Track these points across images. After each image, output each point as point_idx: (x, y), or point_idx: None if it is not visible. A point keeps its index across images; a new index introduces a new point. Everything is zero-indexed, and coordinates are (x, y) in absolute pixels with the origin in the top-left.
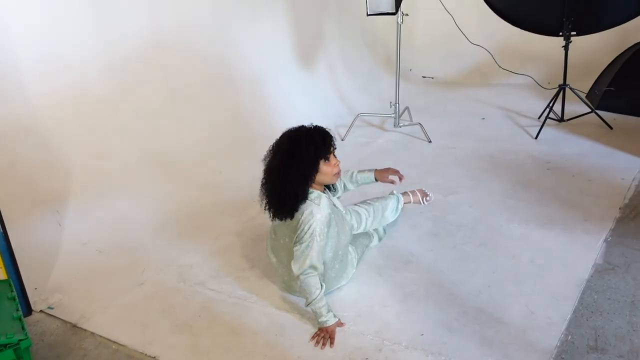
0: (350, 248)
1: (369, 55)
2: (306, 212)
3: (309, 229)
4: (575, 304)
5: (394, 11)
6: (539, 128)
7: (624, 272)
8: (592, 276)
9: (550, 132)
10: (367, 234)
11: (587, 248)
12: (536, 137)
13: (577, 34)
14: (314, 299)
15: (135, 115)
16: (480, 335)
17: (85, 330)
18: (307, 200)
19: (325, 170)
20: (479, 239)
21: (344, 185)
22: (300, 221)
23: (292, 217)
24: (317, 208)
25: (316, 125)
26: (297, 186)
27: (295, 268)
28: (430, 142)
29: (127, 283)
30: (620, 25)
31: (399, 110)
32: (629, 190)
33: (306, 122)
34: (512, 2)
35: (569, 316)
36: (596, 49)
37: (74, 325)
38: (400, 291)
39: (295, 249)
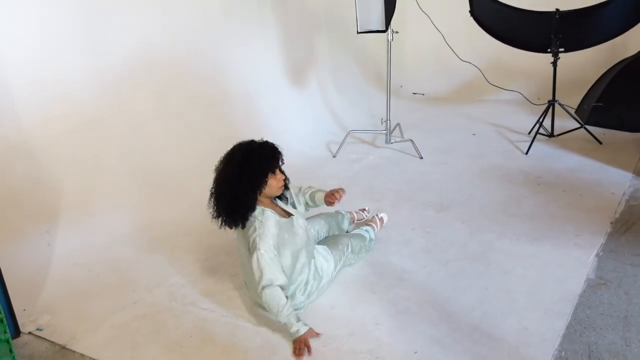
0: (320, 258)
1: (359, 72)
2: (251, 229)
3: (254, 244)
4: (569, 320)
5: (384, 29)
6: (529, 143)
7: (616, 286)
8: (584, 291)
9: (541, 147)
10: (345, 241)
11: (579, 263)
12: (527, 153)
13: (565, 51)
14: (280, 311)
15: (127, 133)
16: (473, 352)
17: (74, 352)
18: (252, 217)
19: (271, 184)
20: (472, 255)
21: (305, 203)
22: (249, 236)
23: (243, 225)
24: (259, 223)
25: (266, 141)
26: (248, 196)
27: (255, 284)
28: (421, 158)
29: (118, 303)
30: (608, 41)
31: (390, 126)
32: (620, 204)
33: (297, 140)
34: (500, 20)
35: (562, 332)
36: (584, 65)
37: (64, 347)
38: (393, 308)
39: (251, 265)
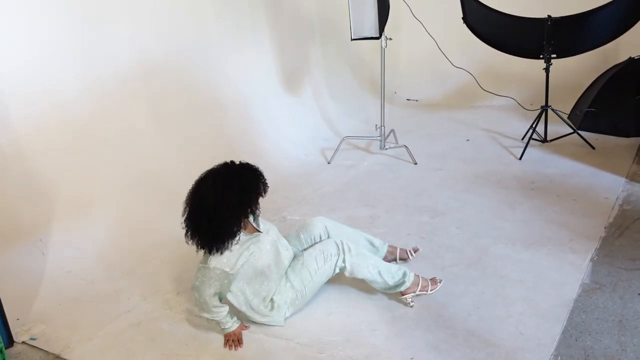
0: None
1: (353, 78)
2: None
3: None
4: (564, 324)
5: (377, 35)
6: (522, 149)
7: (611, 291)
8: (579, 296)
9: (534, 152)
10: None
11: (574, 268)
12: (520, 158)
13: (557, 57)
14: (213, 316)
15: (121, 141)
16: (470, 358)
17: None
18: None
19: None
20: (467, 261)
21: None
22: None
23: (221, 251)
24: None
25: (244, 163)
26: (234, 223)
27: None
28: (416, 164)
29: (112, 311)
30: (600, 47)
31: (384, 132)
32: (613, 209)
33: (292, 146)
34: (493, 27)
35: (558, 337)
36: (577, 71)
37: (58, 357)
38: (390, 314)
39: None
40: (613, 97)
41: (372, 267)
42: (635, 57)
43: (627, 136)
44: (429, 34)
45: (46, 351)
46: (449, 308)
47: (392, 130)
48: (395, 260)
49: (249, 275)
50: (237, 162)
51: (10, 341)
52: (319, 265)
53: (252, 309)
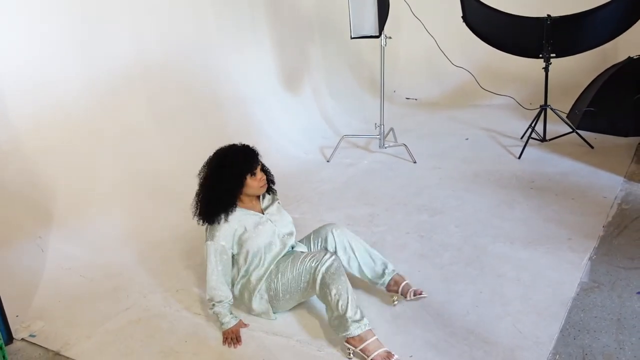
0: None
1: (353, 77)
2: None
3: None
4: (563, 323)
5: (377, 34)
6: (521, 148)
7: (610, 289)
8: (578, 294)
9: (533, 151)
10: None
11: (573, 266)
12: (519, 157)
13: (557, 56)
14: (217, 302)
15: (120, 139)
16: (469, 356)
17: (68, 358)
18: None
19: (251, 184)
20: (466, 259)
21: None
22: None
23: (219, 222)
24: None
25: (245, 145)
26: (226, 197)
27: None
28: (415, 162)
29: (112, 308)
30: (599, 47)
31: (383, 131)
32: (612, 208)
33: (291, 144)
34: (492, 26)
35: (556, 335)
36: (576, 70)
37: (57, 353)
38: (389, 312)
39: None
40: (612, 97)
41: (336, 294)
42: (634, 57)
43: (626, 135)
44: (428, 33)
45: (45, 348)
46: (447, 306)
47: (392, 129)
48: (397, 291)
49: (243, 254)
50: (239, 144)
51: (9, 338)
52: (301, 266)
53: (241, 292)
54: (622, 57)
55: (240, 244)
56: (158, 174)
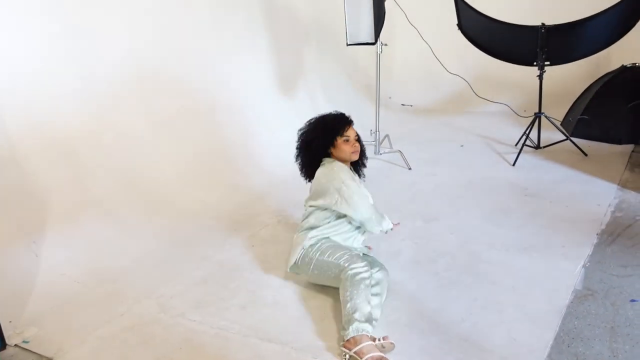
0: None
1: (349, 83)
2: (322, 177)
3: (332, 181)
4: (557, 331)
5: (373, 41)
6: (516, 155)
7: (603, 297)
8: (572, 302)
9: (528, 159)
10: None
11: (567, 274)
12: (514, 164)
13: (551, 64)
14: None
15: (115, 144)
16: None
17: None
18: (324, 167)
19: (343, 147)
20: (461, 266)
21: None
22: (322, 183)
23: (312, 177)
24: (330, 166)
25: (340, 113)
26: (318, 147)
27: (357, 214)
28: (410, 169)
29: (106, 314)
30: (593, 55)
31: (379, 137)
32: (605, 215)
33: (286, 150)
34: (487, 33)
35: (550, 343)
36: (570, 78)
37: None
38: (383, 320)
39: (334, 202)
40: (605, 105)
41: (349, 296)
42: (628, 65)
43: (620, 143)
44: (424, 40)
45: (39, 354)
46: (442, 314)
47: (387, 135)
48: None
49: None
50: (340, 112)
51: (2, 344)
52: (338, 259)
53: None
54: (615, 66)
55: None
56: (152, 179)
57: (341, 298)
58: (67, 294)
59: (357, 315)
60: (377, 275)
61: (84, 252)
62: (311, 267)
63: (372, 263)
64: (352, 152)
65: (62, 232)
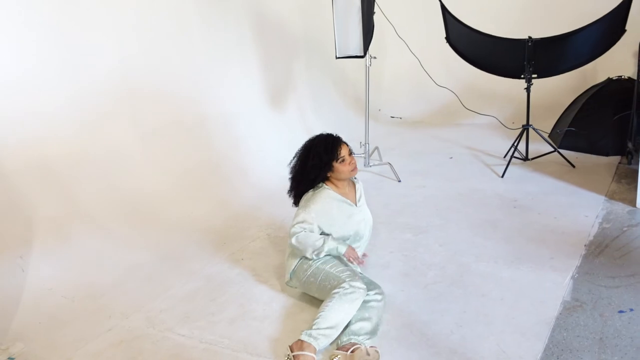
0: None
1: (338, 96)
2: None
3: (305, 202)
4: (546, 342)
5: (362, 54)
6: (504, 167)
7: (592, 308)
8: (560, 314)
9: (516, 170)
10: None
11: (555, 285)
12: (502, 176)
13: (538, 77)
14: (321, 245)
15: (103, 158)
16: None
17: None
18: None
19: (339, 169)
20: (450, 278)
21: None
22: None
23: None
24: (312, 193)
25: (327, 135)
26: (313, 176)
27: (290, 233)
28: (399, 181)
29: (93, 330)
30: (579, 68)
31: (368, 150)
32: (593, 227)
33: (276, 163)
34: (475, 47)
35: (539, 355)
36: (557, 90)
37: None
38: None
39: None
40: (592, 117)
41: (328, 306)
42: (613, 78)
43: (607, 155)
44: (412, 53)
45: None
46: (431, 326)
47: (377, 148)
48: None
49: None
50: (326, 134)
51: None
52: (338, 273)
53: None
54: (601, 78)
55: (323, 218)
56: (141, 192)
57: (322, 304)
58: (54, 309)
59: (319, 324)
60: (373, 299)
61: (71, 267)
62: (308, 273)
63: (369, 285)
64: (351, 170)
65: (49, 247)
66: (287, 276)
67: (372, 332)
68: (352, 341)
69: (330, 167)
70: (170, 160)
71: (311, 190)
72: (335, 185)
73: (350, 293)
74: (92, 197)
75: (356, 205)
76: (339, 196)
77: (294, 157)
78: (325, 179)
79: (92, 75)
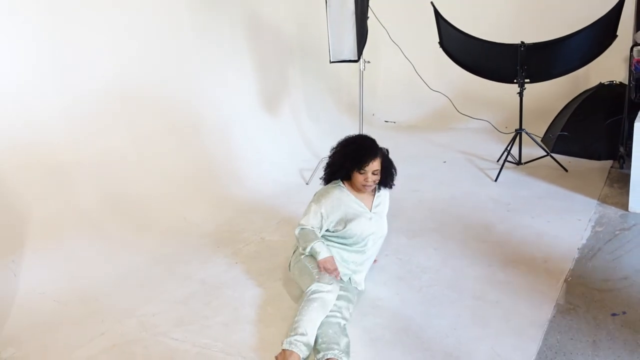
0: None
1: (332, 100)
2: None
3: (318, 196)
4: (540, 345)
5: (356, 59)
6: (498, 171)
7: (585, 311)
8: (554, 317)
9: (509, 174)
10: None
11: (549, 288)
12: (496, 180)
13: (531, 82)
14: (308, 245)
15: (97, 163)
16: None
17: None
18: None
19: (356, 177)
20: (444, 282)
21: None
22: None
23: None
24: (325, 188)
25: (363, 140)
26: (331, 173)
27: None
28: (393, 185)
29: (86, 334)
30: (571, 73)
31: None
32: (586, 230)
33: (270, 167)
34: (468, 51)
35: (533, 357)
36: (550, 95)
37: None
38: (367, 336)
39: None
40: (584, 121)
41: (301, 309)
42: (605, 83)
43: (599, 159)
44: (406, 58)
45: None
46: (426, 329)
47: None
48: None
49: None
50: (370, 140)
51: None
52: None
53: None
54: (593, 83)
55: (330, 214)
56: (135, 196)
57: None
58: (46, 313)
59: (297, 330)
60: (339, 302)
61: (64, 271)
62: (295, 265)
63: (347, 290)
64: (363, 185)
65: (41, 251)
66: (288, 265)
67: (345, 350)
68: (328, 357)
69: (350, 173)
70: (164, 164)
71: (330, 184)
72: (351, 186)
73: (314, 295)
74: (86, 201)
75: (370, 210)
76: (352, 196)
77: (338, 144)
78: (346, 177)
79: (86, 80)
